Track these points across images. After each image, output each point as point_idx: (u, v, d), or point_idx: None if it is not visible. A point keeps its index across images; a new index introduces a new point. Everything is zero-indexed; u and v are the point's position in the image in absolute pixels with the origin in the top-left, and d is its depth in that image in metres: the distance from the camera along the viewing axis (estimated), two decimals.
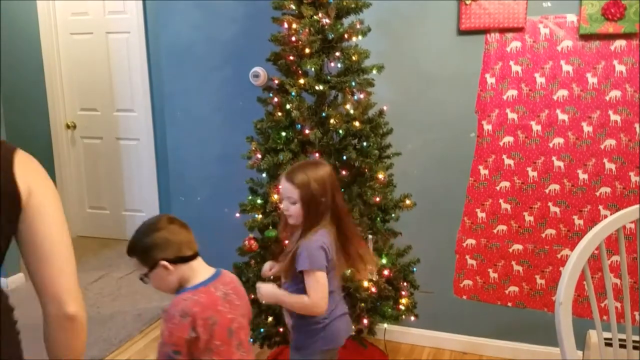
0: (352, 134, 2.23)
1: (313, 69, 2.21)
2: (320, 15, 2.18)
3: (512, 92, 2.51)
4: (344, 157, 2.22)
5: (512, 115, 2.53)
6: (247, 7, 2.82)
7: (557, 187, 2.54)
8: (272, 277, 1.96)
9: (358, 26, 2.27)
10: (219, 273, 1.57)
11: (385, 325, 2.52)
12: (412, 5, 2.57)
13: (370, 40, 2.37)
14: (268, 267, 1.93)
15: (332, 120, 2.20)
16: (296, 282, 1.75)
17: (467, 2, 2.45)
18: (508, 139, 2.56)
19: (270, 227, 2.28)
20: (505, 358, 2.74)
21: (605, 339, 1.54)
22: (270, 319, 2.35)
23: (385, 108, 2.38)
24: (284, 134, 2.27)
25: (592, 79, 2.40)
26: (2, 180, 0.99)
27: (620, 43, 2.34)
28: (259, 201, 2.34)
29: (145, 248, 1.48)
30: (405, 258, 2.46)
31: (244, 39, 2.86)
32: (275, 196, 2.18)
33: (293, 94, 2.23)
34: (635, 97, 2.37)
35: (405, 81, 2.65)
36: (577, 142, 2.48)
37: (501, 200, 2.62)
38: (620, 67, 2.36)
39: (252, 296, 2.13)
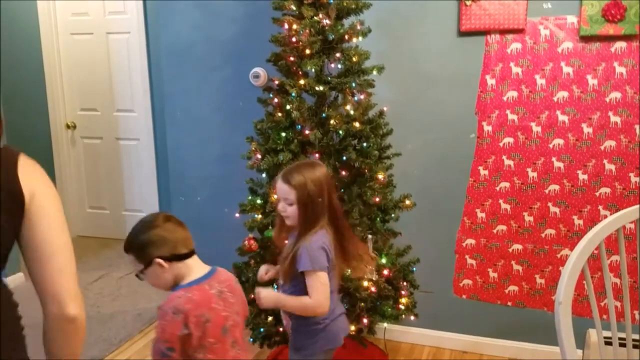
0: (352, 134, 2.24)
1: (313, 70, 2.22)
2: (320, 16, 2.19)
3: (512, 94, 2.51)
4: (344, 158, 2.22)
5: (512, 117, 2.53)
6: (247, 7, 2.82)
7: (557, 187, 2.54)
8: (275, 283, 1.96)
9: (358, 27, 2.28)
10: (214, 271, 1.57)
11: (385, 324, 2.52)
12: (412, 6, 2.57)
13: (370, 41, 2.37)
14: (264, 272, 1.92)
15: (332, 121, 2.20)
16: (296, 283, 1.74)
17: (468, 3, 2.45)
18: (508, 140, 2.56)
19: (270, 227, 2.28)
20: (505, 357, 2.74)
21: (605, 338, 1.54)
22: (270, 318, 2.36)
23: (385, 109, 2.38)
24: (284, 134, 2.27)
25: (592, 81, 2.41)
26: (6, 183, 1.02)
27: (620, 45, 2.35)
28: (258, 201, 2.35)
29: (140, 245, 1.50)
30: (405, 258, 2.47)
31: (244, 39, 2.87)
32: (275, 196, 2.19)
33: (293, 94, 2.23)
34: (636, 99, 2.38)
35: (405, 82, 2.65)
36: (577, 143, 2.48)
37: (501, 201, 2.62)
38: (620, 69, 2.36)
39: (252, 296, 2.14)
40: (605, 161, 2.46)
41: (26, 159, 1.07)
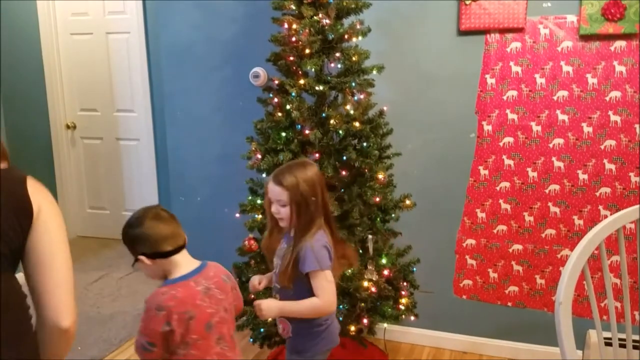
0: (352, 134, 2.24)
1: (313, 70, 2.22)
2: (320, 15, 2.19)
3: (512, 93, 2.51)
4: (344, 158, 2.22)
5: (512, 116, 2.53)
6: (247, 7, 2.82)
7: (557, 187, 2.54)
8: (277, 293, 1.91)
9: (358, 26, 2.27)
10: (203, 266, 1.58)
11: (385, 325, 2.52)
12: (412, 5, 2.57)
13: (370, 41, 2.37)
14: (257, 282, 1.88)
15: (332, 121, 2.20)
16: (299, 285, 1.71)
17: (467, 2, 2.45)
18: (508, 139, 2.56)
19: None
20: (505, 358, 2.74)
21: (605, 338, 1.54)
22: (270, 319, 2.35)
23: (385, 108, 2.38)
24: (284, 134, 2.27)
25: (592, 80, 2.41)
26: (19, 196, 1.12)
27: (620, 43, 2.35)
28: (258, 201, 2.34)
29: (128, 240, 1.54)
30: (405, 258, 2.46)
31: (244, 39, 2.87)
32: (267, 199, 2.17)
33: (293, 94, 2.23)
34: (635, 98, 2.37)
35: (405, 81, 2.65)
36: (577, 142, 2.48)
37: (501, 201, 2.62)
38: (620, 68, 2.36)
39: (252, 296, 2.14)
40: (605, 161, 2.45)
41: (33, 179, 1.17)
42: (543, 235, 2.60)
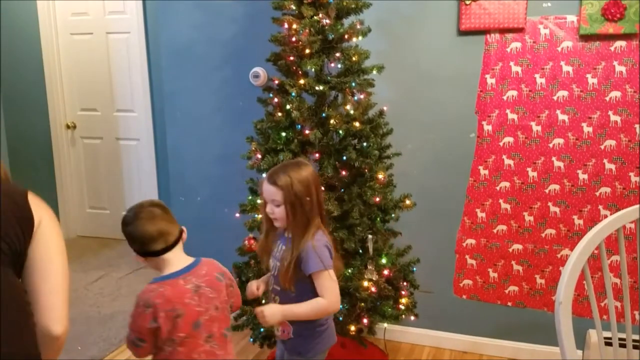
0: (352, 134, 2.24)
1: (313, 70, 2.22)
2: (320, 15, 2.19)
3: (512, 93, 2.51)
4: (344, 158, 2.22)
5: (512, 116, 2.53)
6: (247, 7, 2.82)
7: (557, 187, 2.54)
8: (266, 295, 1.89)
9: (358, 26, 2.27)
10: (195, 264, 1.58)
11: (385, 324, 2.52)
12: (412, 5, 2.57)
13: (370, 41, 2.37)
14: (255, 287, 1.83)
15: (332, 121, 2.20)
16: (302, 287, 1.69)
17: (467, 2, 2.45)
18: (508, 139, 2.56)
19: None
20: (505, 357, 2.74)
21: (605, 338, 1.54)
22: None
23: (385, 108, 2.38)
24: (284, 134, 2.27)
25: (592, 80, 2.41)
26: (22, 208, 1.18)
27: (620, 43, 2.35)
28: (259, 201, 2.34)
29: (125, 236, 1.57)
30: (405, 258, 2.46)
31: (244, 39, 2.86)
32: (261, 200, 2.16)
33: (293, 94, 2.23)
34: (635, 98, 2.37)
35: (405, 81, 2.65)
36: (577, 142, 2.48)
37: (501, 200, 2.62)
38: (620, 68, 2.36)
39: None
40: (605, 160, 2.46)
41: (33, 194, 1.23)
42: (543, 235, 2.60)
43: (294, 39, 2.17)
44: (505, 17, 2.42)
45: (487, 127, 2.58)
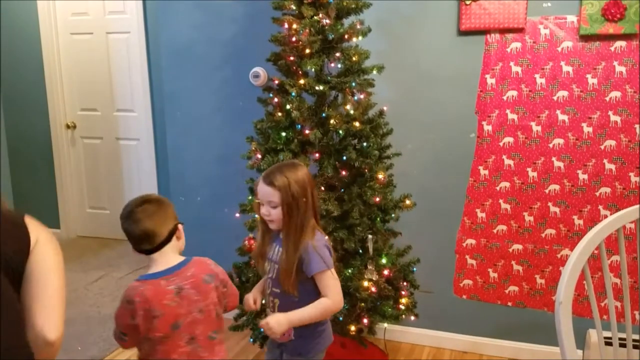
0: (352, 134, 2.24)
1: (313, 70, 2.22)
2: (320, 15, 2.19)
3: (512, 93, 2.51)
4: (344, 158, 2.22)
5: (512, 116, 2.53)
6: (247, 7, 2.82)
7: (557, 187, 2.54)
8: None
9: (358, 26, 2.27)
10: (181, 265, 1.58)
11: (386, 324, 2.52)
12: (412, 5, 2.57)
13: (370, 41, 2.37)
14: (252, 301, 1.81)
15: (332, 121, 2.20)
16: (305, 289, 1.68)
17: (467, 3, 2.45)
18: (508, 139, 2.56)
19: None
20: (506, 357, 2.74)
21: (605, 338, 1.54)
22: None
23: (385, 108, 2.38)
24: (284, 134, 2.27)
25: (592, 80, 2.41)
26: (18, 226, 1.23)
27: (620, 44, 2.35)
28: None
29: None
30: (405, 258, 2.46)
31: (244, 39, 2.86)
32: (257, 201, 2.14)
33: (293, 94, 2.23)
34: (635, 98, 2.37)
35: (405, 81, 2.65)
36: (577, 142, 2.48)
37: (501, 201, 2.62)
38: (620, 68, 2.36)
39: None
40: (605, 161, 2.46)
41: (30, 217, 1.28)
42: (543, 235, 2.60)
43: (294, 39, 2.17)
44: (506, 17, 2.43)
45: (487, 127, 2.58)
